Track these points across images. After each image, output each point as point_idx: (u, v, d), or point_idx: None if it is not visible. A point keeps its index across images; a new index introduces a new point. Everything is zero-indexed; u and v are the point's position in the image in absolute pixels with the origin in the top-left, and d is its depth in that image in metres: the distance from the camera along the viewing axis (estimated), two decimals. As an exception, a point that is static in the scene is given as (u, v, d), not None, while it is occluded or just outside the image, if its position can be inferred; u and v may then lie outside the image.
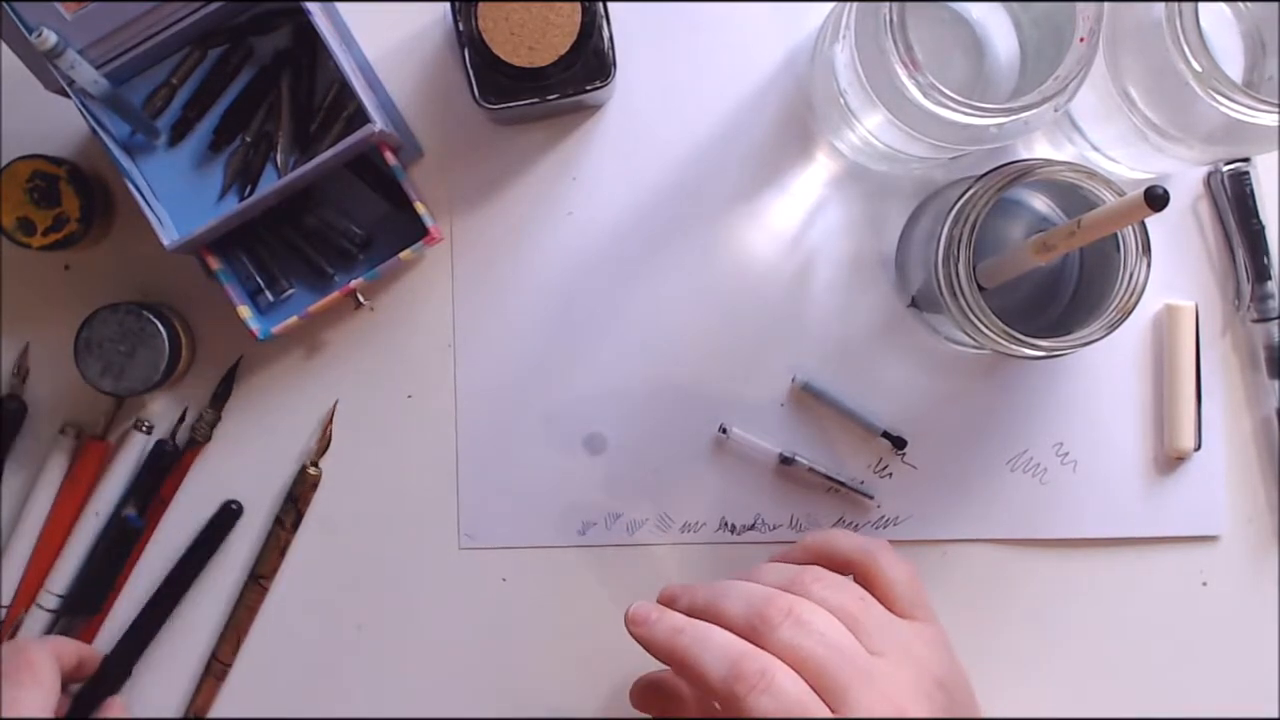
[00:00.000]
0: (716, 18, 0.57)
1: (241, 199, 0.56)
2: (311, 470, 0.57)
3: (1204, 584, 0.58)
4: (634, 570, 0.58)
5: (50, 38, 0.47)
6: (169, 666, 0.57)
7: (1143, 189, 0.41)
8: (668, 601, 0.44)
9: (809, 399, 0.57)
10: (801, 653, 0.40)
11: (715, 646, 0.40)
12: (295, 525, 0.57)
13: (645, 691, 0.49)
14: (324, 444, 0.57)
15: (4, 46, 0.50)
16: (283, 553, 0.57)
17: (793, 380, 0.57)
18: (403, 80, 0.57)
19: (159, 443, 0.57)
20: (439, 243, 0.56)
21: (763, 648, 0.40)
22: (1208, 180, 0.58)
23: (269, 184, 0.53)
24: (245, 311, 0.54)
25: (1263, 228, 0.57)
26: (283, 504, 0.57)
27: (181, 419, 0.57)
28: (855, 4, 0.46)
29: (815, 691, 0.39)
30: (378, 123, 0.51)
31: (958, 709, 0.43)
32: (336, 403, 0.57)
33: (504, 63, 0.50)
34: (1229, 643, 0.58)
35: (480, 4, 0.50)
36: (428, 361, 0.57)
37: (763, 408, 0.57)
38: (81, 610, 0.56)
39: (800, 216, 0.58)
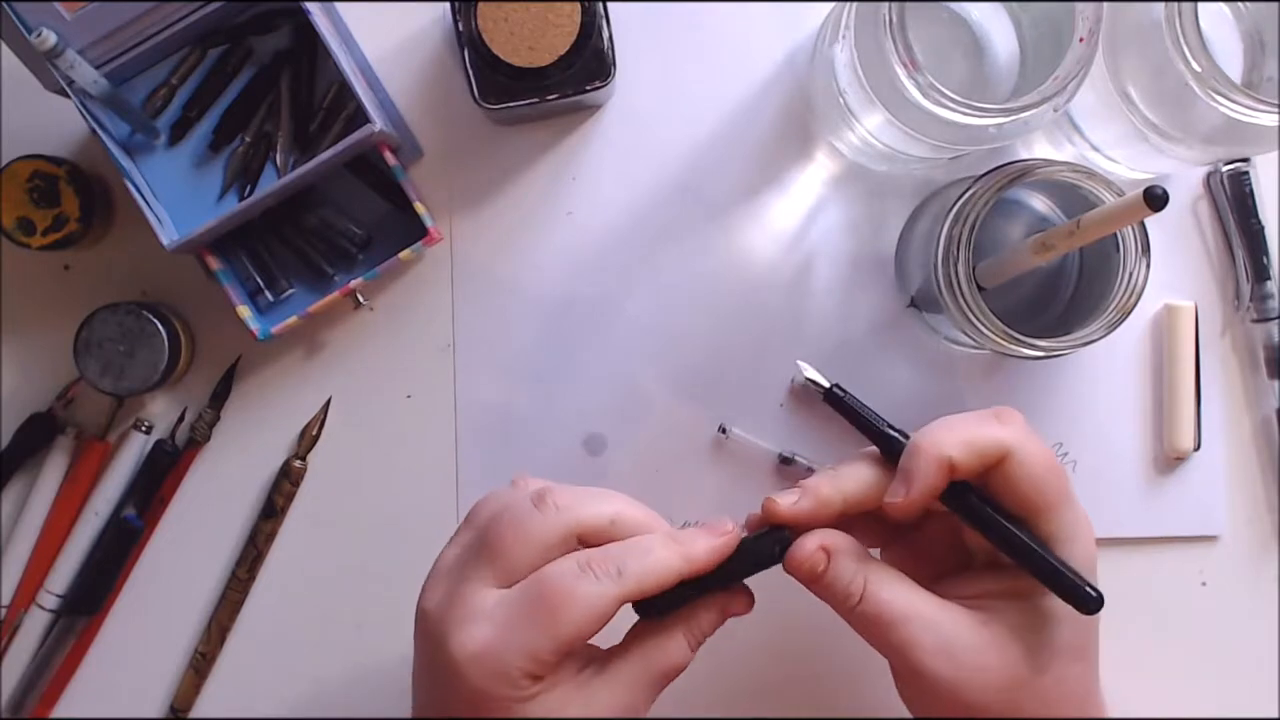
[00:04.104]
0: (716, 18, 0.57)
1: (241, 199, 0.56)
2: (296, 463, 0.57)
3: (1203, 584, 0.58)
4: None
5: (50, 38, 0.47)
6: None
7: (1142, 189, 0.41)
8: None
9: (809, 399, 0.57)
10: None
11: None
12: (271, 515, 0.57)
13: None
14: (311, 438, 0.57)
15: (4, 46, 0.50)
16: (268, 540, 0.57)
17: (792, 380, 0.57)
18: (403, 80, 0.57)
19: (159, 443, 0.57)
20: (439, 243, 0.56)
21: None
22: (1207, 180, 0.58)
23: (269, 184, 0.53)
24: (245, 311, 0.54)
25: (1262, 228, 0.57)
26: (266, 496, 0.57)
27: (181, 419, 0.57)
28: (855, 4, 0.46)
29: None
30: (378, 123, 0.52)
31: None
32: (330, 399, 0.57)
33: (504, 63, 0.50)
34: (1229, 643, 0.58)
35: (480, 4, 0.50)
36: (428, 361, 0.57)
37: (763, 408, 0.57)
38: (81, 610, 0.56)
39: (800, 216, 0.58)
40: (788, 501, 0.43)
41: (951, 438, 0.43)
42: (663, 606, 0.43)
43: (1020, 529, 0.43)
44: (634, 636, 0.43)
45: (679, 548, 0.42)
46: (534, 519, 0.41)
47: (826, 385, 0.47)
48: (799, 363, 0.48)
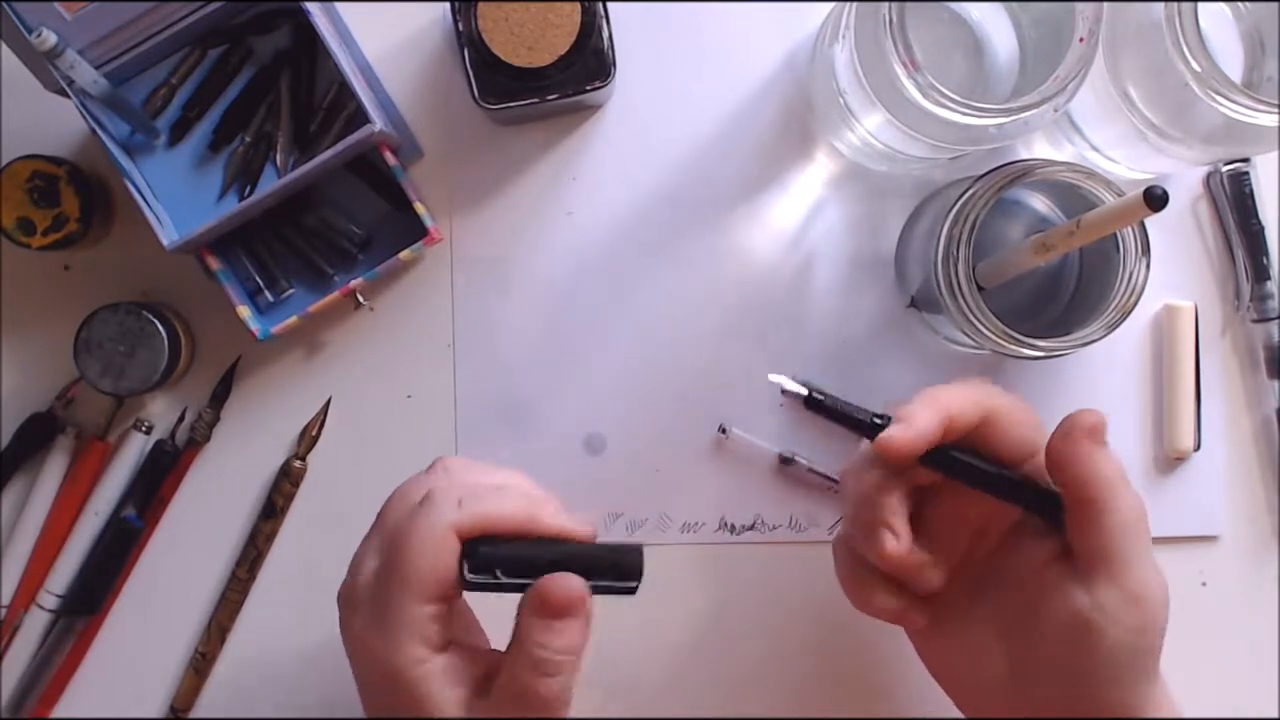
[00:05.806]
0: (716, 18, 0.57)
1: (241, 199, 0.56)
2: (296, 463, 0.57)
3: (1204, 584, 0.58)
4: (634, 570, 0.57)
5: (50, 38, 0.47)
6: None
7: (1142, 189, 0.41)
8: None
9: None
10: None
11: None
12: (271, 515, 0.57)
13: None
14: (311, 438, 0.57)
15: (4, 46, 0.50)
16: (268, 540, 0.57)
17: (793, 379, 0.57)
18: (403, 80, 0.57)
19: (158, 443, 0.57)
20: (439, 243, 0.56)
21: None
22: (1207, 180, 0.58)
23: (269, 184, 0.53)
24: (245, 311, 0.54)
25: (1262, 228, 0.57)
26: (266, 496, 0.57)
27: (181, 419, 0.57)
28: (855, 4, 0.46)
29: None
30: (378, 123, 0.52)
31: None
32: (330, 399, 0.57)
33: (504, 63, 0.50)
34: (1229, 643, 0.58)
35: (480, 4, 0.50)
36: (428, 361, 0.57)
37: (763, 407, 0.57)
38: (81, 610, 0.56)
39: (800, 216, 0.58)
40: (899, 430, 0.43)
41: (948, 390, 0.45)
42: (509, 567, 0.42)
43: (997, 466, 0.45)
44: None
45: (532, 500, 0.42)
46: (424, 523, 0.41)
47: (804, 393, 0.47)
48: (771, 377, 0.48)
